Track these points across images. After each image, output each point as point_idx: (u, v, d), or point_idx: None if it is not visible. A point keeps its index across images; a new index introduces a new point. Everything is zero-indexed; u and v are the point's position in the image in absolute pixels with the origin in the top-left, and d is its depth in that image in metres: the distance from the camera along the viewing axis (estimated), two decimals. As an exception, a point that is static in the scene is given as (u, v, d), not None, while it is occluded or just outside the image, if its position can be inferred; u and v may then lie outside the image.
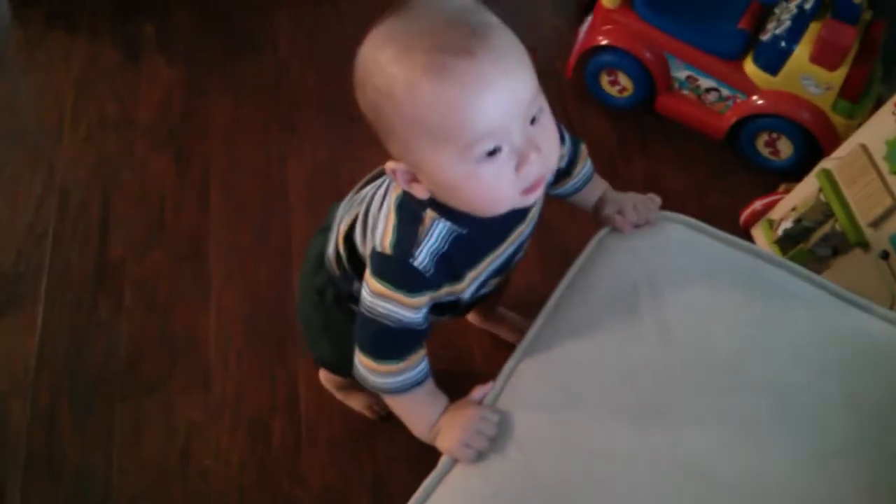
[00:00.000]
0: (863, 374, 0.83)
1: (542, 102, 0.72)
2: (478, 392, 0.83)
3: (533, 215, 0.87)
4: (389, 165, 0.75)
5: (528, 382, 0.84)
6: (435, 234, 0.77)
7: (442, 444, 0.81)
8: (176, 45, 1.77)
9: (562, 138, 0.88)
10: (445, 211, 0.76)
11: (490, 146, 0.68)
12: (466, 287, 0.84)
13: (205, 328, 1.38)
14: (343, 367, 0.88)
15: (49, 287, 1.43)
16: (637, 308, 0.87)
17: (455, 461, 0.80)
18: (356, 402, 1.26)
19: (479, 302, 0.98)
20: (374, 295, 0.79)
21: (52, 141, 1.62)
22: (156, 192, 1.55)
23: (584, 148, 0.94)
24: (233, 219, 1.52)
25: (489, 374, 0.86)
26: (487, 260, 0.84)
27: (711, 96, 1.51)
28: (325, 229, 0.97)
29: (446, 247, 0.77)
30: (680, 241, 0.93)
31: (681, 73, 1.51)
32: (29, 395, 1.31)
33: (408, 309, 0.78)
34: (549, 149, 0.73)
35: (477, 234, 0.79)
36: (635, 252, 0.92)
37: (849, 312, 0.89)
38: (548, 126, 0.73)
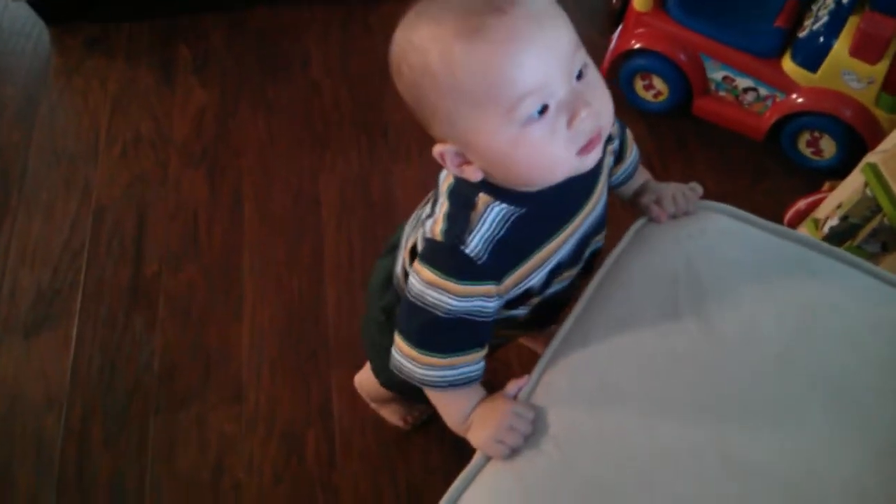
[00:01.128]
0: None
1: (586, 58, 0.68)
2: (512, 387, 0.80)
3: (599, 193, 0.82)
4: (437, 149, 0.72)
5: (565, 376, 0.80)
6: (489, 220, 0.73)
7: (473, 439, 0.77)
8: (210, 66, 1.80)
9: None
10: (500, 192, 0.73)
11: (535, 104, 0.65)
12: (531, 273, 0.79)
13: (238, 342, 1.37)
14: (409, 389, 0.83)
15: (84, 303, 1.43)
16: (677, 299, 0.83)
17: (488, 458, 0.77)
18: (390, 413, 1.24)
19: (559, 303, 0.90)
20: (424, 283, 0.75)
21: (88, 160, 1.64)
22: (189, 208, 1.56)
23: (629, 132, 0.90)
24: (266, 233, 1.52)
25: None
26: (555, 241, 0.78)
27: (749, 97, 1.47)
28: (392, 249, 0.93)
29: (503, 231, 0.73)
30: (722, 230, 0.89)
31: (717, 75, 1.48)
32: (63, 410, 1.31)
33: (458, 298, 0.74)
34: (600, 104, 0.69)
35: (538, 211, 0.75)
36: (674, 242, 0.88)
37: (902, 300, 0.84)
38: (596, 81, 0.69)
